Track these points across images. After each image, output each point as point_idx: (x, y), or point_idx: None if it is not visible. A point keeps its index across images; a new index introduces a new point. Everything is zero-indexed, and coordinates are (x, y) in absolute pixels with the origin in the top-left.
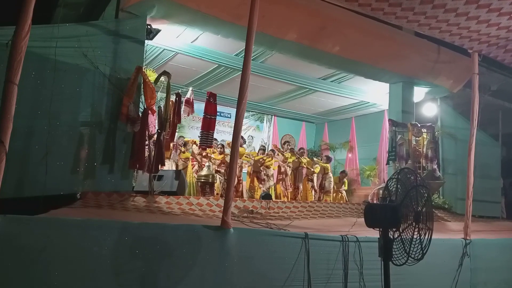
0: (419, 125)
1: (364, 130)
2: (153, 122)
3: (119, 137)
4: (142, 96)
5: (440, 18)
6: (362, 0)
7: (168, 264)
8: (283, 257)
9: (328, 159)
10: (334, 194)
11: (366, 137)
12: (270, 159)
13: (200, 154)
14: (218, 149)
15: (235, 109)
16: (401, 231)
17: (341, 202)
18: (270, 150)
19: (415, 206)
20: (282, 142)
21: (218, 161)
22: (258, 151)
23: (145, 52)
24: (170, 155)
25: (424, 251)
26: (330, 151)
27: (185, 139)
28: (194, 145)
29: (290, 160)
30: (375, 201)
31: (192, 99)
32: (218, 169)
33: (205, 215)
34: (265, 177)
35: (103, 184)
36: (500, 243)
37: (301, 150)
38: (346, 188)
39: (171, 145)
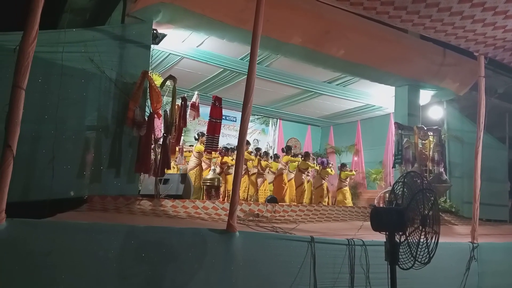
0: (425, 128)
1: (370, 133)
2: (159, 126)
3: (125, 141)
4: (148, 100)
5: (445, 21)
6: (367, 3)
7: (174, 268)
8: (289, 261)
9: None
10: (338, 192)
11: (372, 140)
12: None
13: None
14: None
15: (241, 112)
16: (407, 234)
17: (345, 201)
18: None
19: (421, 209)
20: (286, 147)
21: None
22: (262, 156)
23: (151, 56)
24: (176, 159)
25: (431, 255)
26: (336, 155)
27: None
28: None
29: (291, 165)
30: (381, 205)
31: (198, 103)
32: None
33: (211, 218)
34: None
35: (109, 188)
36: (507, 247)
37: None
38: (352, 173)
39: (177, 148)
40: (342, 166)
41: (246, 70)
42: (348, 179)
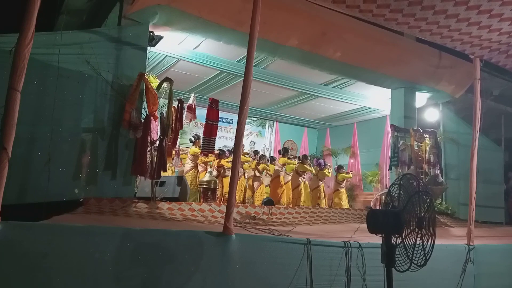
0: (421, 131)
1: (366, 135)
2: (155, 128)
3: (121, 143)
4: (145, 103)
5: (441, 24)
6: (363, 6)
7: (170, 271)
8: (285, 263)
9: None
10: (334, 194)
11: (368, 143)
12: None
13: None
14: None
15: (237, 115)
16: (403, 237)
17: (341, 203)
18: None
19: (417, 211)
20: (283, 149)
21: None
22: (260, 159)
23: (147, 58)
24: (172, 161)
25: (427, 257)
26: (332, 157)
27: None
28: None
29: (288, 167)
30: (377, 207)
31: (194, 105)
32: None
33: (207, 221)
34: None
35: (105, 190)
36: (503, 249)
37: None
38: (349, 176)
39: (173, 151)
40: (339, 168)
41: (243, 72)
42: (344, 181)
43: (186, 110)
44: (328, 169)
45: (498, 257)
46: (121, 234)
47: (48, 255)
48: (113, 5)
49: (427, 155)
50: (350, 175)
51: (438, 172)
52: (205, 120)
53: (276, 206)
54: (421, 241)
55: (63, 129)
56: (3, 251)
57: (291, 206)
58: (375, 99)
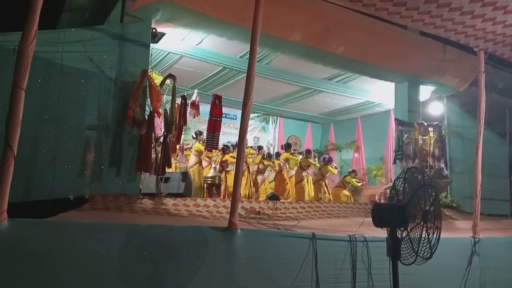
0: (425, 124)
1: (370, 129)
2: (159, 125)
3: (126, 140)
4: (148, 99)
5: (445, 16)
6: (366, 0)
7: (176, 266)
8: (291, 258)
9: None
10: (337, 189)
11: (373, 137)
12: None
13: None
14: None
15: (241, 110)
16: (409, 230)
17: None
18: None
19: (423, 205)
20: (286, 144)
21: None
22: (266, 157)
23: (150, 55)
24: (177, 157)
25: (433, 250)
26: (336, 151)
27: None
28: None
29: (292, 161)
30: (382, 201)
31: (198, 102)
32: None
33: (212, 216)
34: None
35: (110, 187)
36: (509, 242)
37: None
38: (357, 184)
39: (177, 147)
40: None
41: (246, 68)
42: (350, 184)
43: (189, 106)
44: (333, 166)
45: (503, 250)
46: (127, 230)
47: (54, 251)
48: (116, 2)
49: (431, 148)
50: (359, 184)
51: (443, 165)
52: (208, 116)
53: (280, 201)
54: (426, 234)
55: (67, 126)
56: (10, 248)
57: (295, 200)
58: (379, 93)
